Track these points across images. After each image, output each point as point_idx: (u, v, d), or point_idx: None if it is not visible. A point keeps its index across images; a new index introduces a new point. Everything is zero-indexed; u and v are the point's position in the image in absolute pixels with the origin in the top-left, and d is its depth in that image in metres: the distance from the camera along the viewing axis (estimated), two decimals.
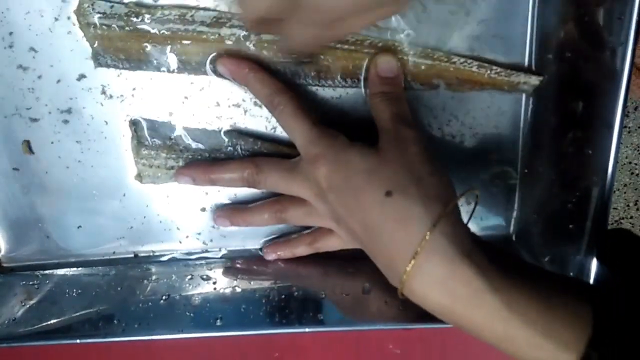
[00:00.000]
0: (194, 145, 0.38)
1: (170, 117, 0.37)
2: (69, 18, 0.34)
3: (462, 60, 0.36)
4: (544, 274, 0.35)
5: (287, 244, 0.40)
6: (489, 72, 0.36)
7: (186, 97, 0.37)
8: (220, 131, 0.38)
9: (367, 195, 0.31)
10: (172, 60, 0.35)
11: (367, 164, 0.32)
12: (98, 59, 0.35)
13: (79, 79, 0.36)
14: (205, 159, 0.38)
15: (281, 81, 0.35)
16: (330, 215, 0.34)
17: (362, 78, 0.36)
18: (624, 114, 0.30)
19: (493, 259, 0.30)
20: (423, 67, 0.36)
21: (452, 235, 0.29)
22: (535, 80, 0.37)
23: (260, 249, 0.41)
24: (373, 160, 0.32)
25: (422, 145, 0.33)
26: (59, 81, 0.36)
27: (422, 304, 0.30)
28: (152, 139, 0.38)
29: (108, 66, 0.36)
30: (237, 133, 0.38)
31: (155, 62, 0.35)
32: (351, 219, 0.32)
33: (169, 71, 0.36)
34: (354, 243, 0.34)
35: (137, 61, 0.35)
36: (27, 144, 0.37)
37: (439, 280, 0.29)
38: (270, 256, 0.40)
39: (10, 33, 0.35)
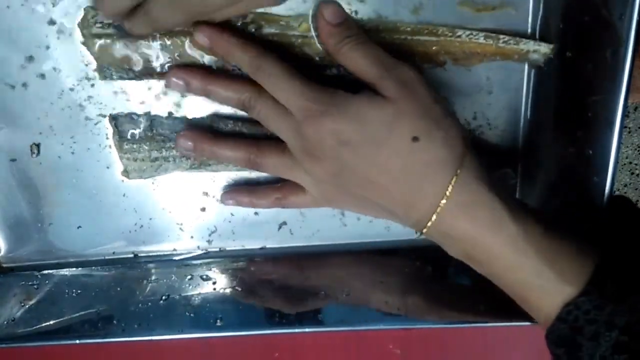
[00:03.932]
0: (175, 135, 0.37)
1: (149, 109, 0.37)
2: (70, 35, 0.34)
3: (467, 33, 0.35)
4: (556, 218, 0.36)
5: (251, 193, 0.38)
6: (496, 41, 0.35)
7: (163, 87, 0.36)
8: (200, 118, 0.37)
9: (392, 144, 0.31)
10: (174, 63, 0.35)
11: (383, 114, 0.31)
12: (103, 72, 0.35)
13: (76, 84, 0.36)
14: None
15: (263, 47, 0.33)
16: (329, 174, 0.33)
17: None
18: (625, 114, 0.30)
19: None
20: (428, 44, 0.35)
21: (475, 169, 0.31)
22: (545, 48, 0.35)
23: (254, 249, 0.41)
24: (388, 110, 0.31)
25: (425, 83, 0.32)
26: (61, 88, 0.36)
27: (446, 233, 0.32)
28: (133, 133, 0.37)
29: (113, 78, 0.35)
30: (217, 117, 0.37)
31: (159, 67, 0.35)
32: (369, 171, 0.32)
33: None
34: (339, 202, 0.35)
35: (141, 69, 0.35)
36: (30, 145, 0.37)
37: (465, 209, 0.31)
38: (228, 202, 0.38)
39: None
